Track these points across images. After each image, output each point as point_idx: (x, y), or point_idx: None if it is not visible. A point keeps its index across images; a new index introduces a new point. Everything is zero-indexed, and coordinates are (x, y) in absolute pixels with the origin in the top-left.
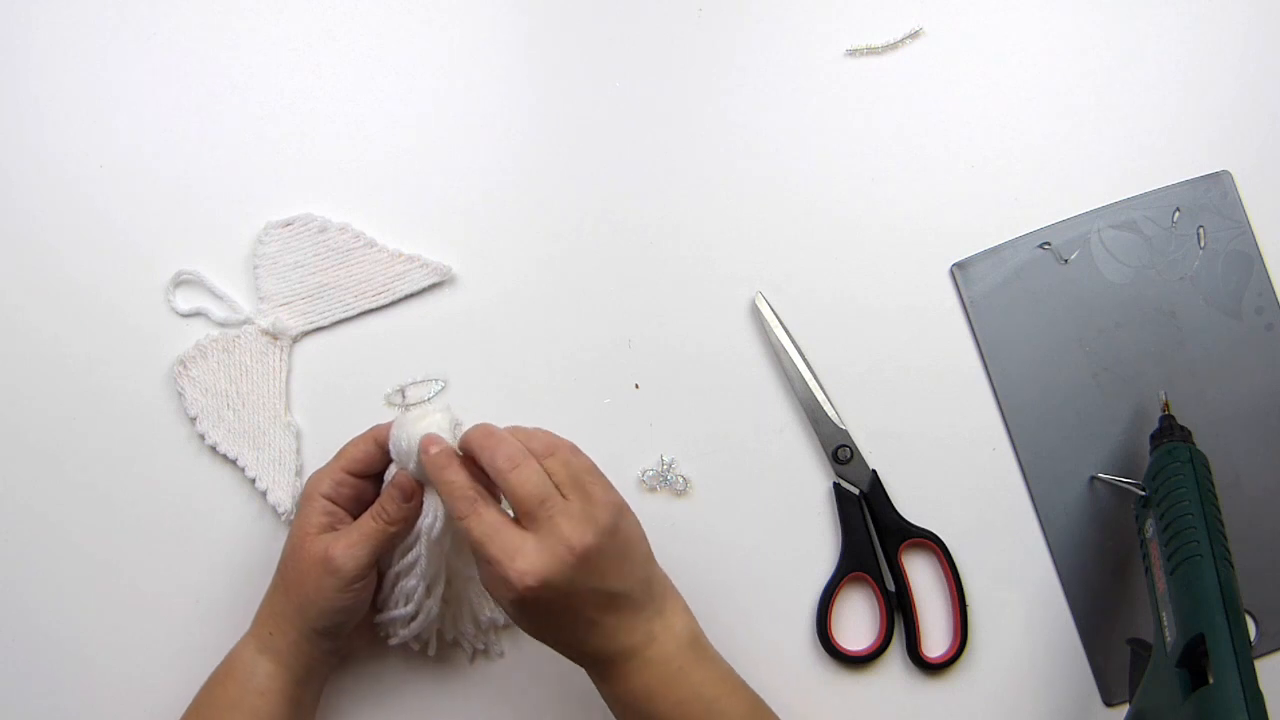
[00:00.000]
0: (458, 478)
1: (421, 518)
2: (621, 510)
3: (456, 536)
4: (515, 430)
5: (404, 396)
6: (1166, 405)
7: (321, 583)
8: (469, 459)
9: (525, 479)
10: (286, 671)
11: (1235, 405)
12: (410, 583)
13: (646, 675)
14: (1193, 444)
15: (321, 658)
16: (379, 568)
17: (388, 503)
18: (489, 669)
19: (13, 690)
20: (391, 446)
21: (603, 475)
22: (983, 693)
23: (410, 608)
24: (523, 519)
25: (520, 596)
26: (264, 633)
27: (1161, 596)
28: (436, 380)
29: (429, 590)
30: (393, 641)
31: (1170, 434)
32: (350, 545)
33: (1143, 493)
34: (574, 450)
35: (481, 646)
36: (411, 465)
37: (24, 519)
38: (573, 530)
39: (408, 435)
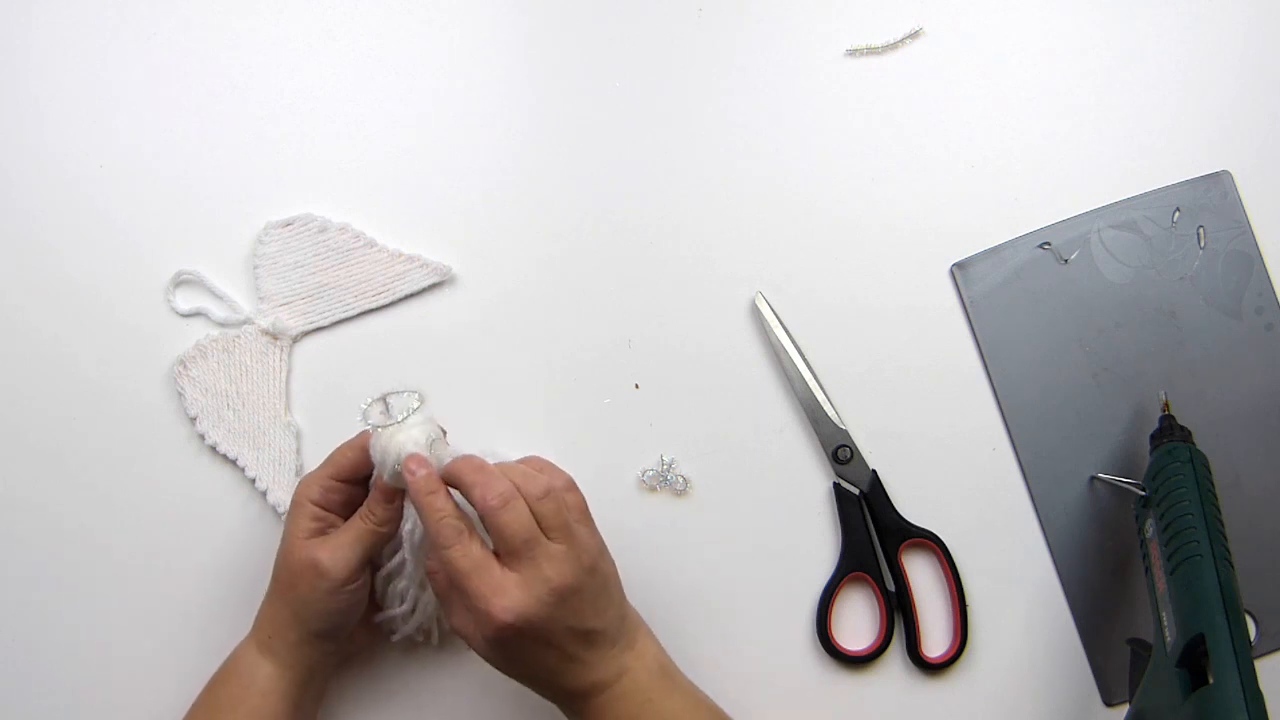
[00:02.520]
0: (445, 505)
1: (402, 524)
2: (602, 551)
3: None
4: (511, 469)
5: (387, 406)
6: (1166, 405)
7: (314, 586)
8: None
9: (514, 518)
10: (288, 673)
11: (1235, 405)
12: (401, 584)
13: (619, 708)
14: (1193, 444)
15: (322, 659)
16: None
17: (374, 505)
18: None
19: (13, 690)
20: (372, 457)
21: (589, 516)
22: (983, 693)
23: (405, 607)
24: (505, 556)
25: (498, 634)
26: (264, 636)
27: (1161, 596)
28: (413, 392)
29: (421, 587)
30: (395, 638)
31: (1170, 434)
32: (338, 548)
33: (1143, 493)
34: (570, 488)
35: None
36: (386, 475)
37: (24, 519)
38: (554, 570)
39: (383, 448)
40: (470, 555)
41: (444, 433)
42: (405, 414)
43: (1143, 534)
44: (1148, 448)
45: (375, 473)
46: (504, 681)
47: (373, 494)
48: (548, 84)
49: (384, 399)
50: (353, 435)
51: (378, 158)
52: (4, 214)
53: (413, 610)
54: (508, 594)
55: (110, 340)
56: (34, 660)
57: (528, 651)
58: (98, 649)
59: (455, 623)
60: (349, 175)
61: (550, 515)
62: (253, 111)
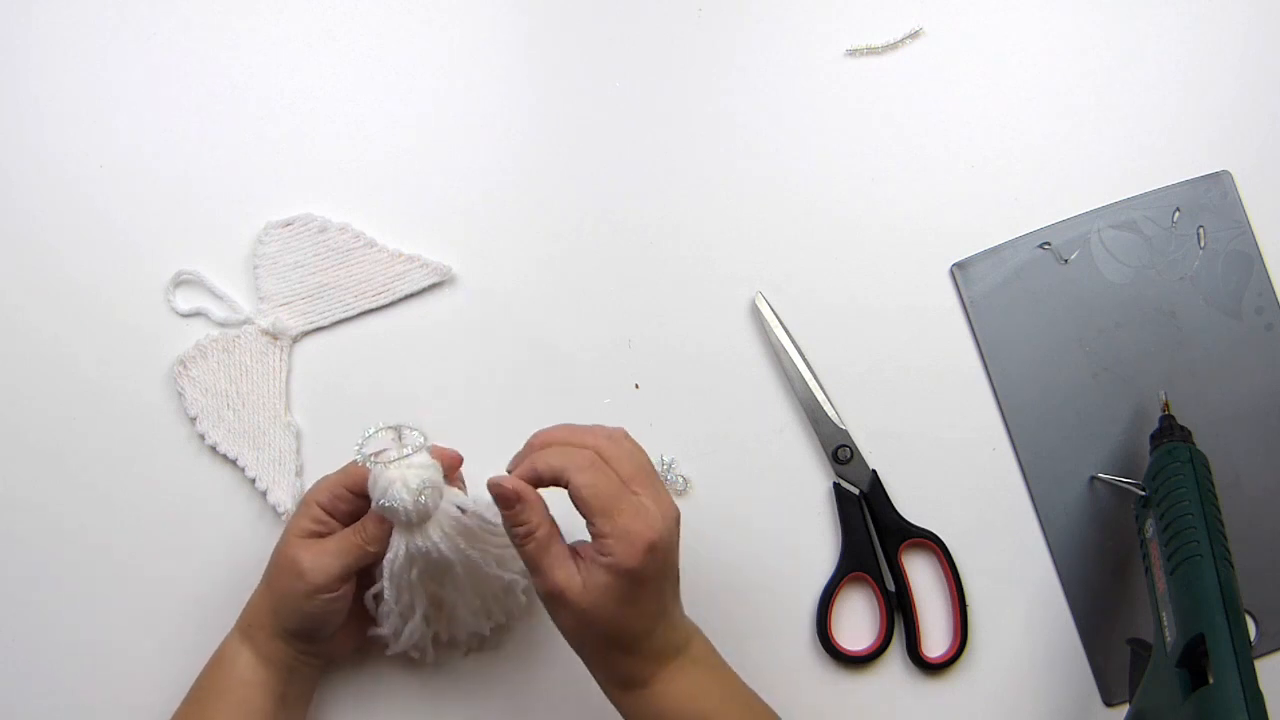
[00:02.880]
0: (568, 438)
1: (386, 552)
2: None
3: (429, 568)
4: (588, 432)
5: (399, 436)
6: (1166, 405)
7: (290, 585)
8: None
9: (629, 453)
10: (267, 665)
11: (1235, 405)
12: (384, 608)
13: (692, 672)
14: (1193, 444)
15: (299, 658)
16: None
17: (368, 522)
18: (482, 664)
19: (13, 690)
20: (369, 490)
21: None
22: (983, 693)
23: (388, 629)
24: (634, 485)
25: (641, 557)
26: (245, 623)
27: (1161, 596)
28: (417, 431)
29: (409, 610)
30: (388, 653)
31: (1170, 434)
32: (321, 554)
33: (1143, 493)
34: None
35: (476, 645)
36: (374, 506)
37: (24, 519)
38: (669, 498)
39: (373, 480)
40: (613, 480)
41: (459, 463)
42: (405, 452)
43: (1143, 534)
44: (1148, 448)
45: None
46: (498, 679)
47: (369, 512)
48: (548, 84)
49: (397, 429)
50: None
51: (378, 158)
52: (4, 214)
53: (399, 633)
54: (650, 512)
55: (110, 340)
56: (34, 660)
57: (646, 588)
58: (98, 649)
59: (559, 579)
60: (349, 175)
61: (639, 454)
62: (253, 111)
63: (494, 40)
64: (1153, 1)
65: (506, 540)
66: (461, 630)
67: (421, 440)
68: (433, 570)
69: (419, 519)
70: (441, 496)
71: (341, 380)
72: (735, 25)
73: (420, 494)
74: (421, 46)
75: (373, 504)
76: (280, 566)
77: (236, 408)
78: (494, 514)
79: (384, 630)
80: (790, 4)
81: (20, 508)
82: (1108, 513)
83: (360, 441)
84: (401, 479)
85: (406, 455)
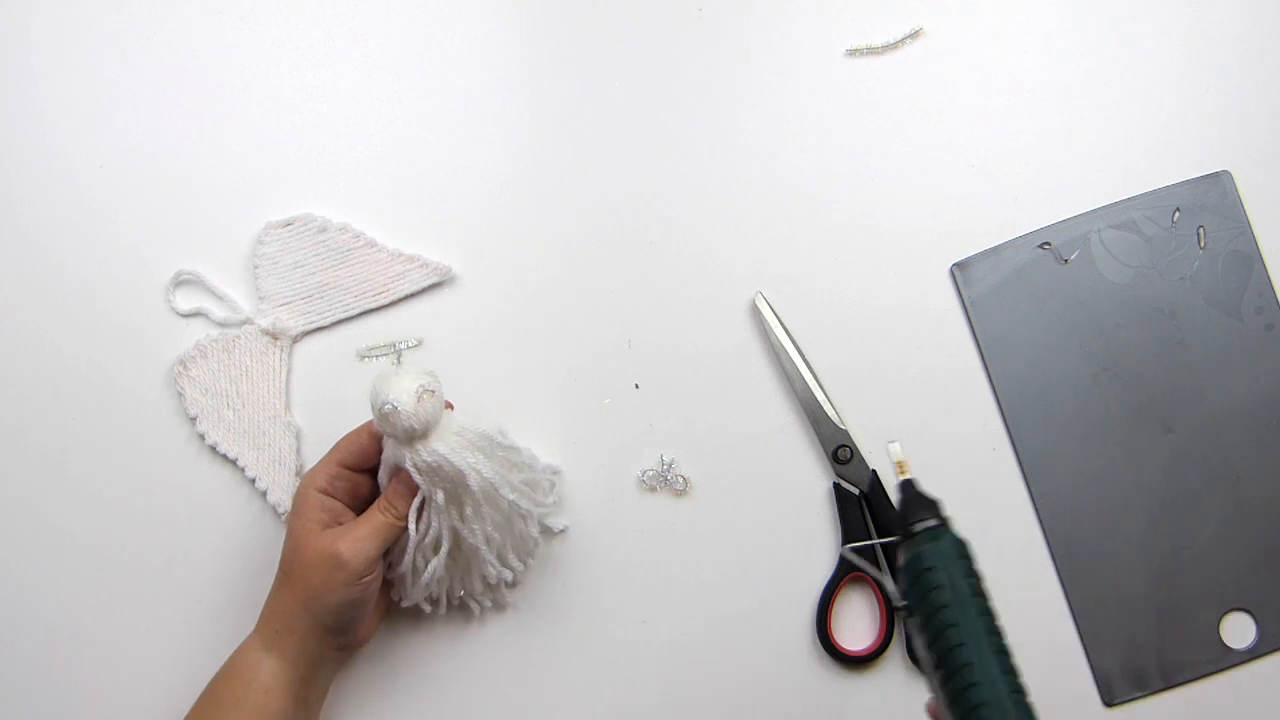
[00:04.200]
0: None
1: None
2: None
3: (450, 493)
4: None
5: (398, 356)
6: (902, 466)
7: (330, 578)
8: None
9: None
10: (292, 669)
11: (1235, 405)
12: (407, 544)
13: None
14: (943, 520)
15: (328, 654)
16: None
17: (396, 499)
18: (497, 628)
19: (14, 689)
20: (370, 404)
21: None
22: None
23: (407, 569)
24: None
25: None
26: (269, 631)
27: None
28: (407, 342)
29: (434, 546)
30: (405, 603)
31: (917, 512)
32: (358, 540)
33: (901, 604)
34: None
35: (489, 604)
36: (374, 417)
37: (24, 519)
38: None
39: (374, 391)
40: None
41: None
42: (397, 359)
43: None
44: (1143, 447)
45: (385, 465)
46: (511, 643)
47: (394, 487)
48: (548, 84)
49: (394, 344)
50: (359, 424)
51: (378, 158)
52: (4, 214)
53: (418, 576)
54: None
55: (110, 340)
56: (34, 660)
57: None
58: (98, 649)
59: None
60: (349, 175)
61: None
62: (253, 111)
63: (494, 40)
64: (1152, 1)
65: (520, 468)
66: (478, 582)
67: (416, 342)
68: (451, 493)
69: (420, 426)
70: (441, 406)
71: (341, 380)
72: (736, 25)
73: (418, 397)
74: (421, 46)
75: (373, 416)
76: (311, 564)
77: (236, 408)
78: (503, 436)
79: (407, 571)
80: (790, 4)
81: (20, 508)
82: (1108, 513)
83: (360, 352)
84: (399, 384)
85: (398, 355)
